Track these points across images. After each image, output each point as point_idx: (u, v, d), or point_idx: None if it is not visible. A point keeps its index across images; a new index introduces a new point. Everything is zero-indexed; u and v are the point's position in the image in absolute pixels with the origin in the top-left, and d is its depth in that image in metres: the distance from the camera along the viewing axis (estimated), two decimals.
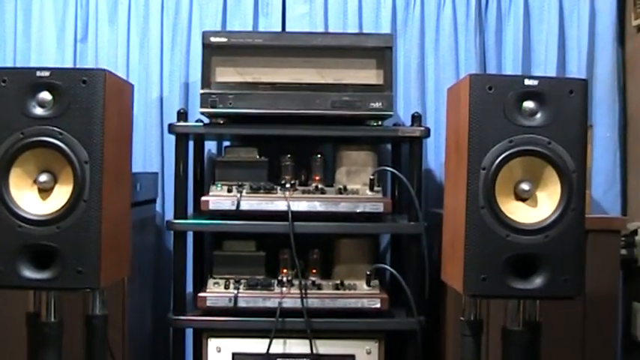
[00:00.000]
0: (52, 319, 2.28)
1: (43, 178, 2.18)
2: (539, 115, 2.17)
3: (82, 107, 2.15)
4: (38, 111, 2.17)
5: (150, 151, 3.33)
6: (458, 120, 2.28)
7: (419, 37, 3.37)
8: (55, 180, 2.19)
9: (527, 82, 2.17)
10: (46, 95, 2.17)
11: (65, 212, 2.15)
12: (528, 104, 2.17)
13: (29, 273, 2.16)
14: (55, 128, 2.15)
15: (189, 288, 3.08)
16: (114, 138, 2.26)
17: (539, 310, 2.33)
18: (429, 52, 3.39)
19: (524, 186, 2.17)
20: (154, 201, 3.26)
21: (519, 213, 2.17)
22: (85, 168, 2.15)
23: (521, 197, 2.19)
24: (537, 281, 2.16)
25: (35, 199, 2.19)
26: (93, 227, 2.15)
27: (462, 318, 2.35)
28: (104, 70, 2.19)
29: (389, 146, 3.34)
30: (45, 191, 2.19)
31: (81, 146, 2.15)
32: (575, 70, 3.34)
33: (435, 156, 3.36)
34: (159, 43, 3.37)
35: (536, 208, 2.18)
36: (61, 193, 2.18)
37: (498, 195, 2.15)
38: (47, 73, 2.16)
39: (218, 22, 3.33)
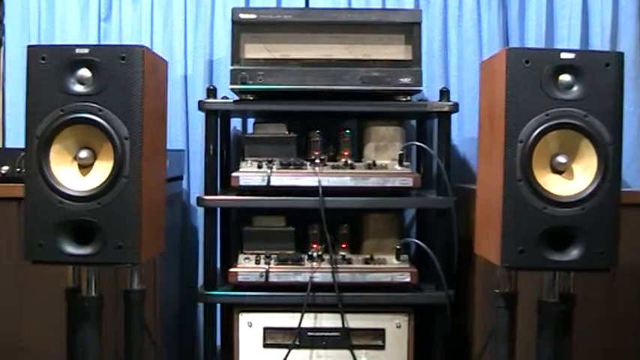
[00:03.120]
0: (93, 294, 2.30)
1: (83, 154, 2.20)
2: (575, 88, 2.18)
3: (121, 84, 2.17)
4: (78, 88, 2.19)
5: (175, 129, 3.34)
6: (493, 94, 2.29)
7: (442, 13, 3.36)
8: (94, 156, 2.21)
9: (563, 55, 2.18)
10: (85, 72, 2.19)
11: (106, 188, 2.17)
12: (564, 77, 2.18)
13: (70, 248, 2.19)
14: (94, 105, 2.18)
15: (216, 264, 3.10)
16: (151, 114, 2.27)
17: (573, 283, 2.35)
18: (451, 28, 3.38)
19: (561, 159, 2.18)
20: (180, 178, 3.27)
21: (556, 186, 2.19)
22: (125, 144, 2.17)
23: (557, 170, 2.20)
24: (574, 253, 2.18)
25: (75, 175, 2.21)
26: (133, 203, 2.18)
27: (496, 290, 2.37)
28: (142, 46, 2.20)
29: (413, 122, 3.35)
30: (84, 167, 2.22)
31: (121, 122, 2.17)
32: (599, 45, 3.33)
33: (459, 131, 3.37)
34: (182, 21, 3.36)
35: (572, 180, 2.20)
36: (101, 169, 2.20)
37: (535, 168, 2.17)
38: (86, 50, 2.18)
39: None
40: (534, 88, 2.17)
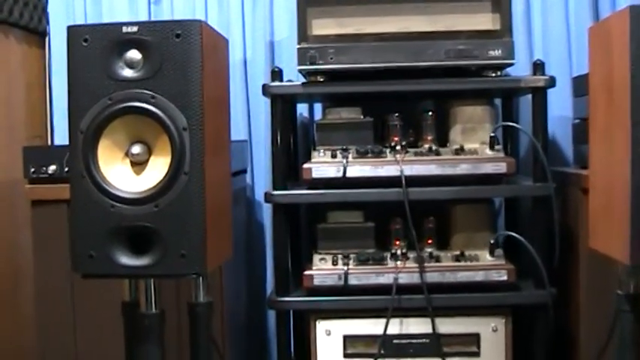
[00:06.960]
0: (153, 310, 2.03)
1: (136, 149, 1.95)
2: None
3: (177, 66, 1.91)
4: (127, 72, 1.93)
5: (235, 117, 3.06)
6: (610, 64, 1.96)
7: None
8: (149, 151, 1.96)
9: None
10: (134, 54, 1.94)
11: (163, 188, 1.91)
12: None
13: (125, 259, 1.93)
14: (147, 91, 1.92)
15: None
16: (212, 100, 2.00)
17: None
18: None
19: None
20: (244, 172, 3.01)
21: None
22: (184, 136, 1.90)
23: None
24: None
25: (128, 174, 1.97)
26: (196, 203, 1.91)
27: (618, 291, 2.06)
28: (199, 20, 1.93)
29: (497, 100, 3.02)
30: (138, 164, 1.98)
31: (178, 111, 1.91)
32: None
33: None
34: None
35: None
36: (157, 166, 1.95)
37: None
38: (135, 28, 1.93)
39: None
40: None
